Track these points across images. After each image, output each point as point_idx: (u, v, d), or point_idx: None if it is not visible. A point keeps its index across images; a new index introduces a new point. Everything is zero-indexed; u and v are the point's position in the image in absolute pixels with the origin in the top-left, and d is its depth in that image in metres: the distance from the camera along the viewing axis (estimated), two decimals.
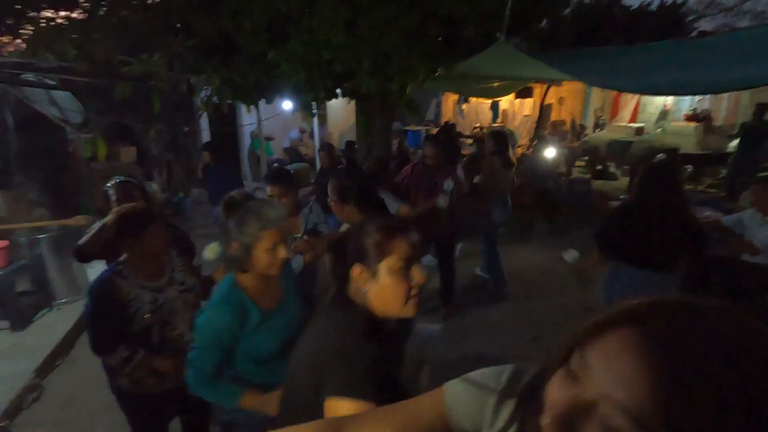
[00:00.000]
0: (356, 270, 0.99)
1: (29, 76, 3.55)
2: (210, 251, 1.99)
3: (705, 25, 13.80)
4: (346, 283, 1.02)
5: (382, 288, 0.97)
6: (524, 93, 10.13)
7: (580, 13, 8.48)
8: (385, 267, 0.97)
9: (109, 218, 1.69)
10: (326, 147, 4.64)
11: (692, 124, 9.38)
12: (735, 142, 6.88)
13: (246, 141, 9.13)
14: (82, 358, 3.21)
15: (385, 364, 0.96)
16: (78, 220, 3.54)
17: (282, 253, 1.32)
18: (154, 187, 5.99)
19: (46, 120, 3.88)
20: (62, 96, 4.14)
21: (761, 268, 2.78)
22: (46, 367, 3.16)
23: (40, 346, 3.31)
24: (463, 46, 3.99)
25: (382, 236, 0.98)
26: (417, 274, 0.98)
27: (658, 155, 7.32)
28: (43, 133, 4.70)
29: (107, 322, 1.63)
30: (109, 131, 5.85)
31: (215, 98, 4.36)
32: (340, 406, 0.87)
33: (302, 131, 9.83)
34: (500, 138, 4.09)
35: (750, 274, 2.85)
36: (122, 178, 2.33)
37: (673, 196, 2.21)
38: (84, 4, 4.16)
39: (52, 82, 3.84)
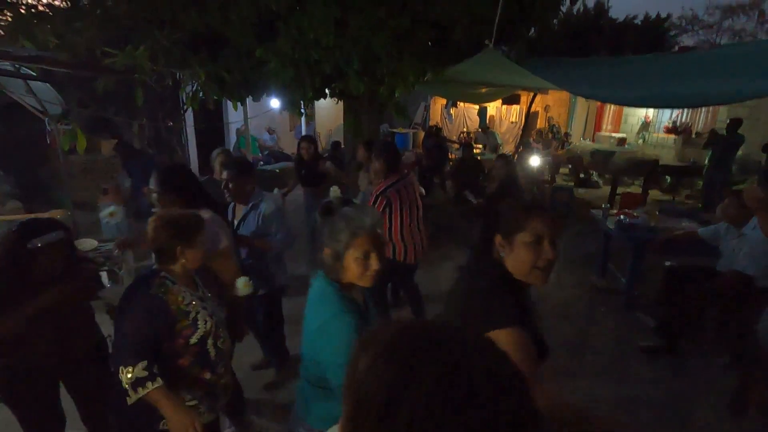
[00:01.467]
0: (498, 238, 1.21)
1: (6, 65, 3.42)
2: (244, 286, 1.95)
3: (686, 40, 14.25)
4: (491, 247, 1.24)
5: (515, 256, 1.18)
6: (511, 100, 10.28)
7: (568, 23, 8.65)
8: (519, 239, 1.17)
9: (156, 222, 1.56)
10: (308, 138, 4.58)
11: (672, 136, 9.63)
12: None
13: (232, 138, 9.02)
14: None
15: (525, 313, 1.14)
16: (53, 214, 3.43)
17: (374, 263, 1.24)
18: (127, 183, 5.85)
19: (23, 110, 3.76)
20: (41, 86, 4.01)
21: (737, 277, 2.86)
22: None
23: None
24: (452, 51, 4.01)
25: (520, 213, 1.18)
26: (547, 249, 1.15)
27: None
28: (20, 124, 4.55)
29: (154, 328, 1.46)
30: (90, 123, 5.70)
31: (201, 94, 4.29)
32: (500, 336, 1.03)
33: (271, 132, 9.73)
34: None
35: (724, 283, 2.93)
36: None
37: None
38: None
39: (32, 73, 3.72)
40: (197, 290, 1.64)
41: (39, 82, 3.97)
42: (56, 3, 4.08)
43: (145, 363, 1.38)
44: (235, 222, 2.55)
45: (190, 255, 1.56)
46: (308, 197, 4.83)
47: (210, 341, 1.57)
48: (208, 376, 1.57)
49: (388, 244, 2.94)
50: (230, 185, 2.46)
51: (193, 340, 1.51)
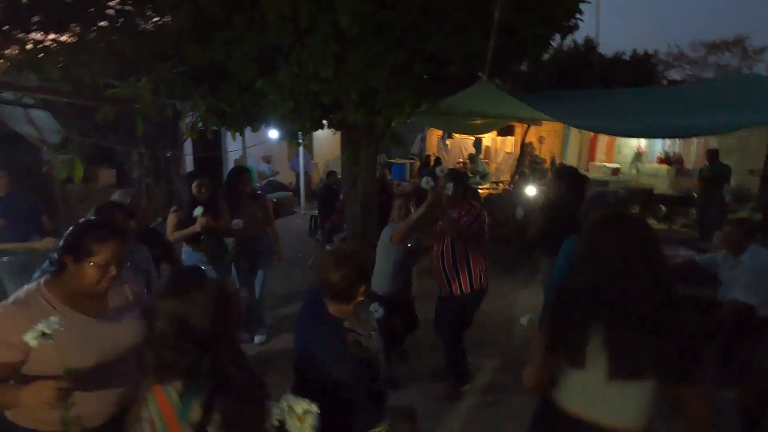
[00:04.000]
0: None
1: (7, 95, 3.47)
2: (527, 321, 1.87)
3: (674, 75, 14.74)
4: None
5: None
6: (506, 131, 10.51)
7: (559, 58, 8.95)
8: None
9: (342, 260, 1.51)
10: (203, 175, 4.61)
11: (665, 167, 9.80)
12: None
13: (230, 167, 9.08)
14: None
15: None
16: (46, 243, 3.39)
17: None
18: None
19: (21, 139, 3.78)
20: (40, 115, 4.06)
21: (738, 307, 2.82)
22: None
23: None
24: (448, 84, 4.12)
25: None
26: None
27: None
28: (17, 153, 4.56)
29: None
30: (90, 153, 5.74)
31: (200, 124, 4.35)
32: None
33: (267, 161, 9.80)
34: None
35: (725, 313, 2.89)
36: None
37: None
38: (74, 28, 4.17)
39: (31, 101, 3.77)
40: None
41: (39, 111, 4.02)
42: (63, 38, 4.20)
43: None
44: None
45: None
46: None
47: None
48: None
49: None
50: None
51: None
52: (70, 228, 1.46)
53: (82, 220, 1.56)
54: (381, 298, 2.93)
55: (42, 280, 1.43)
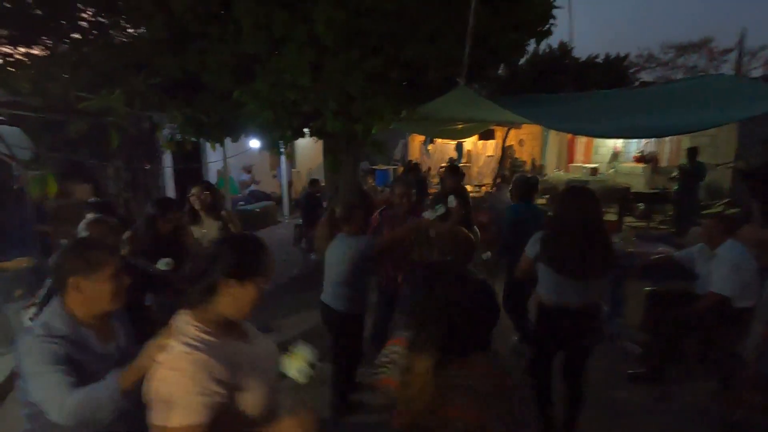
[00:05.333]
0: None
1: None
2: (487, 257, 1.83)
3: (645, 76, 15.21)
4: None
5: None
6: (487, 135, 10.63)
7: (534, 62, 9.13)
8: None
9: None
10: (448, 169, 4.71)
11: (641, 165, 10.05)
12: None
13: (212, 178, 8.96)
14: (9, 417, 2.87)
15: None
16: (18, 262, 3.28)
17: None
18: None
19: None
20: (9, 131, 3.94)
21: (714, 299, 2.89)
22: None
23: None
24: (426, 90, 4.15)
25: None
26: None
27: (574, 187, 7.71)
28: None
29: None
30: (63, 168, 5.58)
31: (178, 136, 4.28)
32: None
33: (248, 171, 9.73)
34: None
35: (703, 306, 2.95)
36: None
37: (588, 214, 2.35)
38: (45, 41, 4.07)
39: (2, 118, 3.66)
40: None
41: (7, 127, 3.90)
42: (34, 51, 4.09)
43: None
44: None
45: None
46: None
47: None
48: None
49: None
50: None
51: None
52: (222, 247, 1.21)
53: (238, 236, 1.38)
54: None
55: (187, 314, 1.19)
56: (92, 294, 1.37)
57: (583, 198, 2.37)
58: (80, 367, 1.31)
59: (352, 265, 2.72)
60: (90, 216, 2.32)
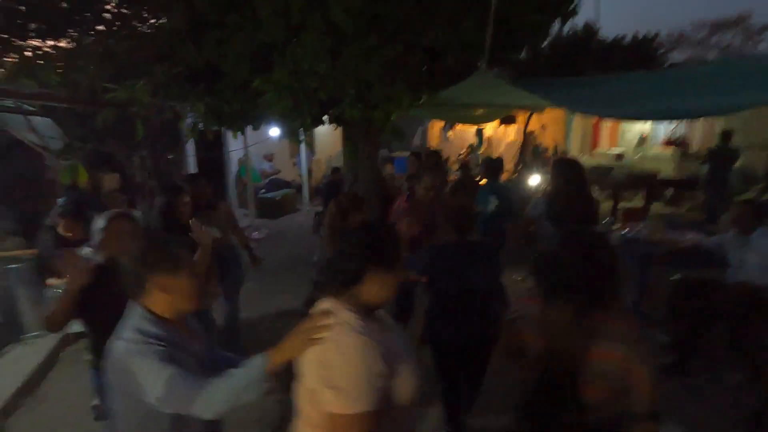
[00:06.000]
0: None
1: (8, 102, 3.49)
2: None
3: (675, 57, 14.55)
4: None
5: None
6: (508, 120, 10.41)
7: (557, 45, 8.84)
8: None
9: None
10: (411, 156, 4.87)
11: (669, 150, 9.69)
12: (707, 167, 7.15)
13: (233, 167, 9.11)
14: (50, 398, 3.03)
15: None
16: None
17: None
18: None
19: (23, 146, 3.81)
20: (41, 122, 4.09)
21: (746, 288, 2.80)
22: (10, 407, 2.97)
23: (5, 383, 3.13)
24: (445, 75, 4.08)
25: None
26: None
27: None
28: (21, 160, 4.60)
29: None
30: (92, 158, 5.77)
31: (200, 125, 4.35)
32: None
33: (269, 159, 9.76)
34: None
35: (733, 295, 2.86)
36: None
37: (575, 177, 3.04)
38: (72, 34, 4.18)
39: (32, 108, 3.80)
40: None
41: (40, 118, 4.04)
42: (61, 44, 4.21)
43: None
44: None
45: None
46: None
47: None
48: None
49: None
50: None
51: None
52: (366, 235, 1.21)
53: (380, 224, 1.32)
54: None
55: (334, 301, 1.18)
56: (178, 292, 1.31)
57: (570, 165, 3.11)
58: (181, 366, 1.24)
59: None
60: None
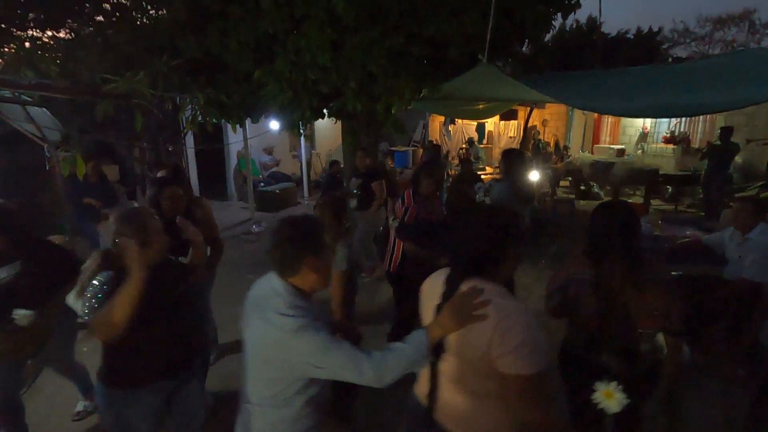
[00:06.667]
0: None
1: (6, 93, 3.47)
2: None
3: (679, 52, 14.45)
4: None
5: None
6: (509, 115, 10.37)
7: (561, 38, 8.79)
8: None
9: None
10: (360, 151, 4.65)
11: (671, 146, 9.65)
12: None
13: (232, 160, 9.08)
14: (48, 387, 3.04)
15: None
16: (53, 240, 3.42)
17: None
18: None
19: (23, 137, 3.79)
20: (39, 113, 4.07)
21: (745, 285, 2.80)
22: None
23: None
24: (448, 68, 4.06)
25: None
26: None
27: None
28: (20, 151, 4.59)
29: None
30: (91, 149, 5.75)
31: (200, 117, 4.34)
32: None
33: (269, 152, 9.70)
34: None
35: (732, 292, 2.86)
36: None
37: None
38: (71, 24, 4.14)
39: (29, 99, 3.78)
40: None
41: (38, 109, 4.02)
42: (60, 35, 4.17)
43: None
44: None
45: None
46: None
47: None
48: None
49: None
50: None
51: None
52: (510, 218, 1.31)
53: (509, 208, 1.41)
54: None
55: (479, 279, 1.26)
56: (322, 272, 1.38)
57: (517, 154, 3.61)
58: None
59: None
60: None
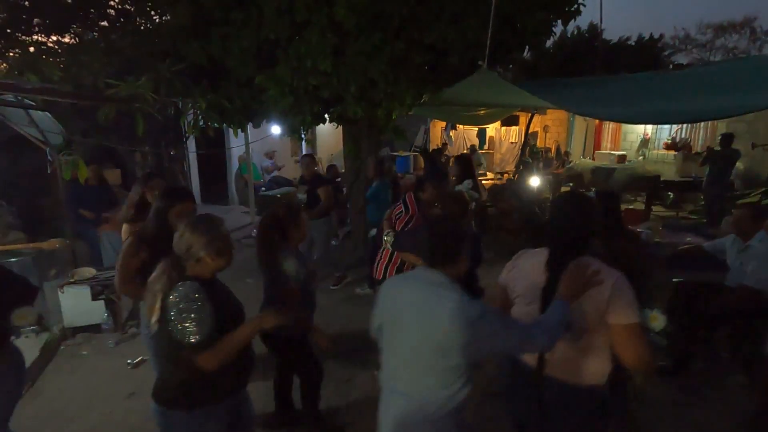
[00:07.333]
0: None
1: (9, 96, 3.49)
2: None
3: (680, 59, 14.49)
4: None
5: None
6: (510, 121, 10.38)
7: (562, 45, 8.82)
8: None
9: None
10: (306, 158, 4.52)
11: (672, 153, 9.65)
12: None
13: (234, 164, 9.10)
14: (47, 390, 3.03)
15: None
16: (52, 243, 3.42)
17: None
18: None
19: (25, 141, 3.81)
20: (41, 116, 4.09)
21: (746, 292, 2.78)
22: None
23: None
24: (448, 74, 4.07)
25: None
26: None
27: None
28: (22, 155, 4.61)
29: None
30: (94, 153, 5.78)
31: (202, 122, 4.35)
32: None
33: (270, 157, 9.67)
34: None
35: (734, 299, 2.85)
36: None
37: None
38: (76, 29, 4.18)
39: (31, 103, 3.81)
40: None
41: (40, 112, 4.05)
42: (65, 39, 4.21)
43: None
44: None
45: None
46: None
47: None
48: None
49: None
50: None
51: None
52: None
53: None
54: None
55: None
56: (464, 265, 1.57)
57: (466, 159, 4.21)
58: None
59: None
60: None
